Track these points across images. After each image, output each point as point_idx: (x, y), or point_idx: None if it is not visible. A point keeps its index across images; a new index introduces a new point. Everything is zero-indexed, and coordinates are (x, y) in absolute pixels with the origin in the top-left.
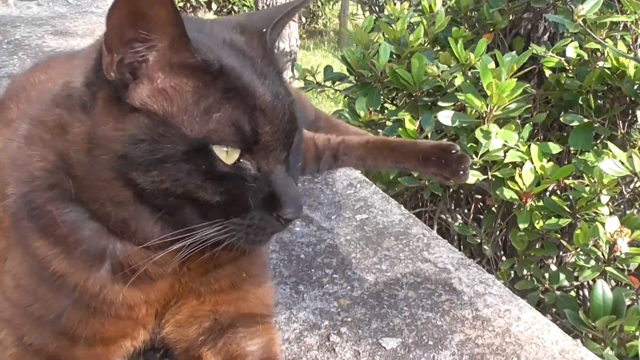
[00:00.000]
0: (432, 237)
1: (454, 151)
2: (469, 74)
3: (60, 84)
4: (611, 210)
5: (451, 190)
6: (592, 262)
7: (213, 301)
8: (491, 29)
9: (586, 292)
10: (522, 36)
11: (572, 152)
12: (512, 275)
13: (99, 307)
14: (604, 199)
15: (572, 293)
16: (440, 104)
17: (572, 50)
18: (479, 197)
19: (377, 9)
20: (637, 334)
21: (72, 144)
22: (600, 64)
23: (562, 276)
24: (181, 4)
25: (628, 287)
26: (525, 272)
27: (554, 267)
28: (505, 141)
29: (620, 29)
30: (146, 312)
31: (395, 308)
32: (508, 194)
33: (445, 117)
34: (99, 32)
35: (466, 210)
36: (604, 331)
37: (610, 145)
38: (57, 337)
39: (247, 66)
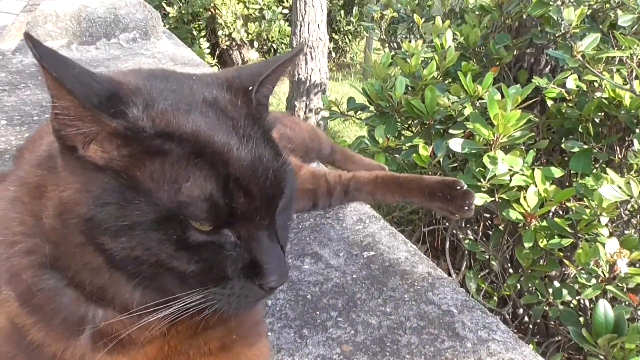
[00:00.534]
0: (437, 277)
1: (458, 187)
2: (477, 104)
3: (47, 142)
4: (610, 230)
5: None
6: (593, 281)
7: None
8: (497, 63)
9: (587, 302)
10: (525, 69)
11: (572, 175)
12: (519, 288)
13: None
14: (604, 220)
15: (574, 301)
16: (451, 131)
17: (572, 82)
18: (487, 215)
19: (395, 45)
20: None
21: (44, 208)
22: (598, 94)
23: (564, 291)
24: (228, 43)
25: (625, 304)
26: (530, 285)
27: (557, 284)
28: (511, 166)
29: (616, 62)
30: None
31: (398, 356)
32: (514, 214)
33: (456, 144)
34: None
35: (476, 228)
36: (605, 348)
37: (609, 171)
38: None
39: (224, 128)
